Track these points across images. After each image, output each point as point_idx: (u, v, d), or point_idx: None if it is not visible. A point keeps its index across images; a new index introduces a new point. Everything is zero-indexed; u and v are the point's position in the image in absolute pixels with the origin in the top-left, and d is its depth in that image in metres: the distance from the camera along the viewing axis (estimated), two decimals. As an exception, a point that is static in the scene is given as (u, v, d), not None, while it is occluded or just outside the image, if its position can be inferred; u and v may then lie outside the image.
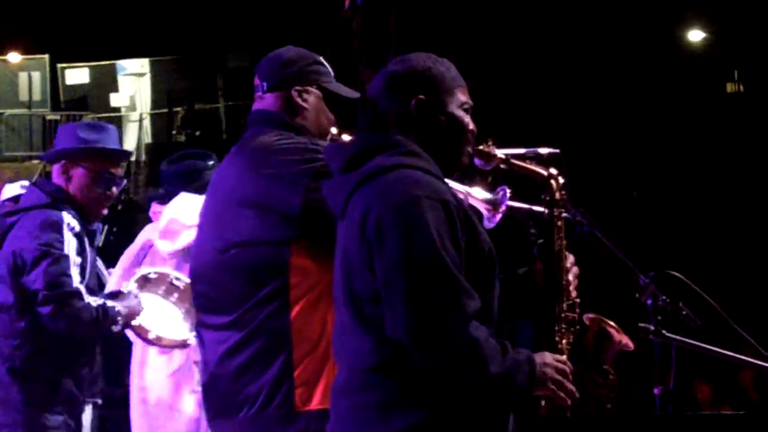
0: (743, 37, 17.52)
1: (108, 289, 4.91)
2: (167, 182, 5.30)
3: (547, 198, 3.39)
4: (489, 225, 3.81)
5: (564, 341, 3.27)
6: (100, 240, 4.91)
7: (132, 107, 23.33)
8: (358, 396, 3.04)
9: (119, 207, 16.85)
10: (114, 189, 4.84)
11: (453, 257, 2.96)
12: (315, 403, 3.50)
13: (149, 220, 5.45)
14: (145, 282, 4.77)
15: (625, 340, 3.54)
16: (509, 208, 3.82)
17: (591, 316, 3.46)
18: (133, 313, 4.66)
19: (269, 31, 17.36)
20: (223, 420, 3.63)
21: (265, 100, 3.81)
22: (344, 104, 3.86)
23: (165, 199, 5.20)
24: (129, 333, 4.88)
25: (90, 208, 4.77)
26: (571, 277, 3.35)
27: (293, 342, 3.52)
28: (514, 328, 3.54)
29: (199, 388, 3.97)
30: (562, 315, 3.29)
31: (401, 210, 2.97)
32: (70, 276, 4.53)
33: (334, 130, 3.83)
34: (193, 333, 3.84)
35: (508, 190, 3.85)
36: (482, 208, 3.86)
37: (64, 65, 23.24)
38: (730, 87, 19.03)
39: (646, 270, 3.92)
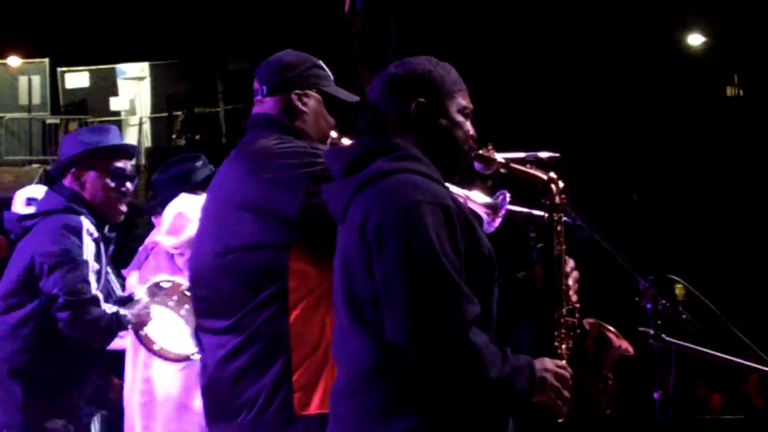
0: (743, 41, 17.53)
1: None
2: (162, 190, 5.35)
3: (547, 202, 3.38)
4: (489, 229, 3.80)
5: (564, 346, 3.27)
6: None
7: (132, 111, 23.33)
8: (357, 399, 3.03)
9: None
10: (128, 184, 4.84)
11: (453, 262, 2.96)
12: (314, 407, 3.49)
13: (150, 224, 5.47)
14: (157, 290, 4.77)
15: (625, 345, 3.53)
16: (509, 212, 3.81)
17: (591, 320, 3.45)
18: (141, 322, 4.67)
19: (269, 35, 17.38)
20: (221, 424, 3.62)
21: (264, 104, 3.81)
22: (344, 108, 3.86)
23: (161, 209, 5.23)
24: (128, 338, 4.88)
25: (107, 208, 4.77)
26: (571, 281, 3.35)
27: (292, 346, 3.51)
28: (512, 332, 3.54)
29: None
30: (562, 320, 3.29)
31: (401, 214, 2.96)
32: (89, 282, 4.54)
33: (333, 134, 3.82)
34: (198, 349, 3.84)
35: (507, 195, 3.85)
36: (482, 212, 3.86)
37: (63, 69, 23.22)
38: (729, 91, 19.05)
39: (645, 274, 3.91)
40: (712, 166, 16.45)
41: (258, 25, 19.71)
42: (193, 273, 3.77)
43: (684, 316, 3.85)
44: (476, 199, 3.89)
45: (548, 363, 3.08)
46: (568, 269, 3.35)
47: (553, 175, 3.40)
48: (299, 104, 3.77)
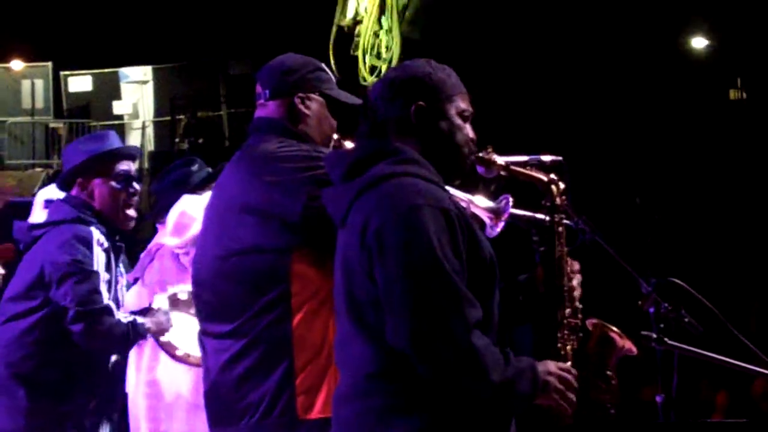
0: (746, 45, 17.52)
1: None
2: (162, 196, 5.37)
3: (548, 204, 3.38)
4: (491, 233, 3.81)
5: (568, 347, 3.26)
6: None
7: (135, 115, 23.32)
8: (359, 402, 3.03)
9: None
10: (135, 184, 4.84)
11: (454, 265, 2.96)
12: (316, 412, 3.49)
13: (153, 228, 5.48)
14: (176, 301, 4.78)
15: (628, 345, 3.52)
16: (512, 216, 3.82)
17: (593, 321, 3.45)
18: (161, 330, 4.68)
19: (271, 38, 17.38)
20: (224, 428, 3.63)
21: (267, 108, 3.81)
22: (347, 111, 3.86)
23: (164, 214, 5.25)
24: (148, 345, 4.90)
25: (117, 214, 4.77)
26: (574, 283, 3.35)
27: (295, 350, 3.51)
28: (513, 335, 3.53)
29: None
30: (565, 321, 3.28)
31: (402, 218, 2.96)
32: (100, 293, 4.54)
33: (336, 137, 3.83)
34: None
35: (510, 199, 3.85)
36: (485, 216, 3.86)
37: (66, 73, 23.23)
38: (733, 94, 19.02)
39: (648, 277, 3.91)
40: (715, 169, 16.43)
41: (260, 28, 19.71)
42: (196, 276, 3.77)
43: (686, 320, 3.84)
44: (479, 203, 3.90)
45: (551, 366, 3.08)
46: (571, 271, 3.35)
47: (553, 176, 3.40)
48: (302, 107, 3.77)
